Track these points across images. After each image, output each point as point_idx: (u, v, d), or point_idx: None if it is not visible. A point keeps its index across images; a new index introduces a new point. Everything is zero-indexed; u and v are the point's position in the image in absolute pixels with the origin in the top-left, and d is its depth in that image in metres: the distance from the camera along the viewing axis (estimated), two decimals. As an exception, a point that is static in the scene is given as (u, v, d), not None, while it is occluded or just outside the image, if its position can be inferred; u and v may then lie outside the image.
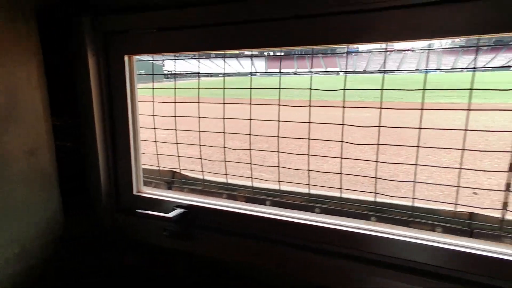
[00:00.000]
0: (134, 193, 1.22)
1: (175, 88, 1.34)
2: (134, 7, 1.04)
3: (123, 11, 1.06)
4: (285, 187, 1.25)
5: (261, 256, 1.07)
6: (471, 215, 1.01)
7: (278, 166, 1.21)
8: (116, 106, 1.17)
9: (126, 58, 1.12)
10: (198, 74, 1.38)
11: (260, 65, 69.17)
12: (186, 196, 1.19)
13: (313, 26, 0.90)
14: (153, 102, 1.30)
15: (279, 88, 1.14)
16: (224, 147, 1.29)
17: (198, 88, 1.29)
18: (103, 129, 1.18)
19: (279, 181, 1.21)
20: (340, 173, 1.13)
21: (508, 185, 0.93)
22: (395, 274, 0.91)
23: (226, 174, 1.31)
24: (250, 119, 1.21)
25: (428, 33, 0.79)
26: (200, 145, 1.32)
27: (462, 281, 0.86)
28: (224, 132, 1.26)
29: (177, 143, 1.35)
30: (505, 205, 0.93)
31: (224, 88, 1.23)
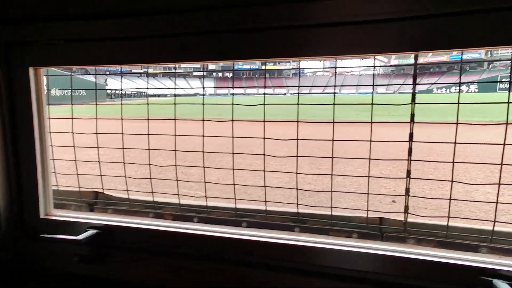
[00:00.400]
0: (42, 216, 1.11)
1: (96, 104, 1.28)
2: (40, 17, 0.98)
3: (27, 21, 0.99)
4: (213, 203, 1.24)
5: (186, 274, 1.04)
6: (381, 220, 1.09)
7: (204, 182, 1.20)
8: (20, 122, 1.07)
9: (31, 70, 1.04)
10: (120, 94, 1.34)
11: (209, 85, 69.39)
12: (100, 216, 1.12)
13: (253, 39, 0.92)
14: (72, 118, 1.23)
15: (202, 104, 1.16)
16: (149, 164, 1.25)
17: (121, 103, 1.26)
18: (2, 147, 1.07)
19: (205, 196, 1.20)
20: (264, 186, 1.15)
21: (407, 190, 1.03)
22: (327, 282, 0.94)
23: (152, 192, 1.27)
24: (175, 135, 1.20)
25: (366, 48, 0.84)
26: (124, 162, 1.27)
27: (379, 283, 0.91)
28: (148, 149, 1.22)
29: (99, 162, 1.28)
30: (406, 209, 1.03)
31: (148, 104, 1.21)
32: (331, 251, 0.94)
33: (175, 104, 1.16)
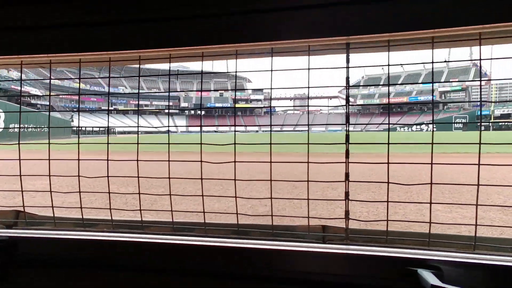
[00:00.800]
0: None
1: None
2: None
3: None
4: (150, 218, 1.15)
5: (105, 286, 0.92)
6: (324, 228, 1.05)
7: (139, 193, 1.11)
8: None
9: None
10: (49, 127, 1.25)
11: (181, 123, 69.38)
12: (5, 230, 0.98)
13: (188, 27, 0.90)
14: None
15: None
16: (78, 175, 1.15)
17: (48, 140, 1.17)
18: None
19: (140, 210, 1.11)
20: (202, 195, 1.08)
21: (346, 194, 1.00)
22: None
23: (81, 208, 1.15)
24: (107, 161, 1.12)
25: (300, 34, 0.86)
26: (49, 175, 1.16)
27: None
28: (78, 159, 1.13)
29: (20, 175, 1.16)
30: (346, 214, 0.99)
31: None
32: (274, 252, 0.90)
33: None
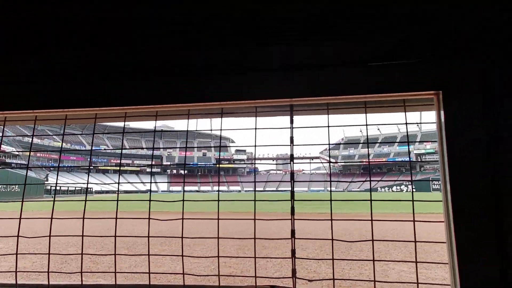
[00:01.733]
0: None
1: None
2: None
3: None
4: (96, 281, 1.08)
5: None
6: (272, 288, 1.01)
7: (81, 253, 1.07)
8: None
9: None
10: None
11: (162, 181, 67.96)
12: None
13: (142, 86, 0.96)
14: None
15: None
16: (18, 236, 1.10)
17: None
18: None
19: (81, 272, 1.05)
20: (148, 254, 1.05)
21: (293, 252, 0.99)
22: None
23: (15, 272, 1.08)
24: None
25: (249, 96, 0.93)
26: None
27: None
28: (20, 217, 1.10)
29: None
30: (293, 272, 0.98)
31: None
32: None
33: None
